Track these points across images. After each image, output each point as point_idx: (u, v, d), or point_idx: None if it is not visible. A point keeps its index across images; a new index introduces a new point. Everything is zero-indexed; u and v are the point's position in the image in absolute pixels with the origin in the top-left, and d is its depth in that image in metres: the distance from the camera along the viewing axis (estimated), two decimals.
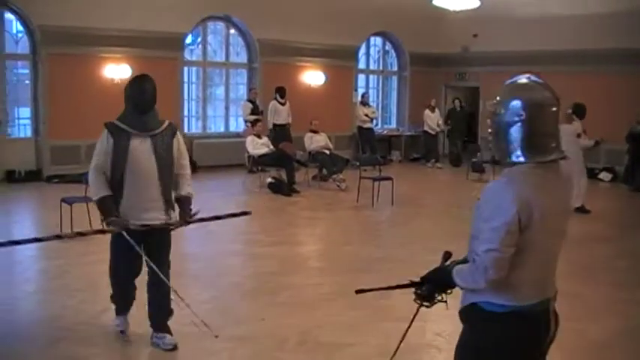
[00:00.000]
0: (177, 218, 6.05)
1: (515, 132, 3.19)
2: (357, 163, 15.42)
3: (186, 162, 6.12)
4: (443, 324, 6.69)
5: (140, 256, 5.85)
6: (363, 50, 21.78)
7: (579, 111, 13.44)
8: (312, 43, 19.18)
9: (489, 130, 3.36)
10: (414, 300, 3.66)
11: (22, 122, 16.36)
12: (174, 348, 6.08)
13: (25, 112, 16.34)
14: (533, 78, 3.27)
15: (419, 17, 20.18)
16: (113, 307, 6.39)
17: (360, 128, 19.87)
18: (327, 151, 16.13)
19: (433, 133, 20.35)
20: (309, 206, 13.42)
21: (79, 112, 15.57)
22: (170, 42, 16.86)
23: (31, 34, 15.59)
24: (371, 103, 20.65)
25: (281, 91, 17.56)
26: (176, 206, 6.06)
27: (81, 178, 13.61)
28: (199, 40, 18.88)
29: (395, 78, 23.03)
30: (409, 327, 3.94)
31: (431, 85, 22.23)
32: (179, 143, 6.00)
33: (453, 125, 20.79)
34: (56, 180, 15.19)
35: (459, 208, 13.15)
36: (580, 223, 12.16)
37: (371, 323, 6.70)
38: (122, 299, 6.29)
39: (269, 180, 14.84)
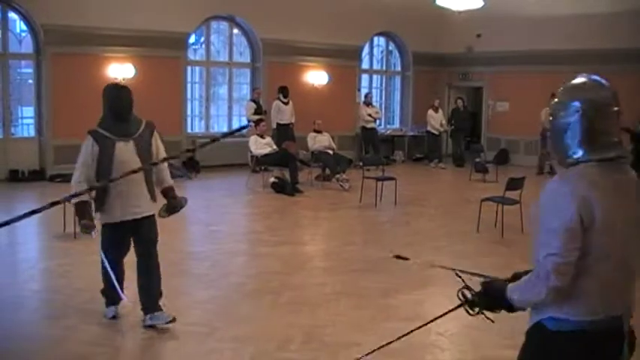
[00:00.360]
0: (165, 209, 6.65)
1: (574, 131, 3.04)
2: (361, 163, 15.42)
3: (164, 156, 6.51)
4: (446, 324, 6.69)
5: (126, 249, 6.51)
6: (366, 50, 21.77)
7: None
8: (316, 43, 19.18)
9: (548, 134, 3.28)
10: (459, 296, 3.48)
11: (26, 122, 16.37)
12: (173, 320, 6.34)
13: (29, 111, 16.36)
14: (592, 77, 3.15)
15: (422, 17, 20.21)
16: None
17: (363, 128, 19.85)
18: (331, 151, 16.13)
19: (436, 133, 20.33)
20: (312, 206, 13.42)
21: (82, 111, 15.49)
22: (174, 42, 16.88)
23: (34, 34, 15.62)
24: (374, 103, 20.63)
25: (284, 91, 17.56)
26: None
27: None
28: (202, 39, 18.90)
29: (398, 78, 23.03)
30: (437, 318, 3.90)
31: (434, 85, 22.25)
32: (157, 140, 6.46)
33: (456, 125, 20.76)
34: (59, 179, 15.19)
35: (462, 208, 13.18)
36: None
37: (375, 323, 6.70)
38: (112, 289, 6.47)
39: (272, 180, 14.84)
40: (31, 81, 16.39)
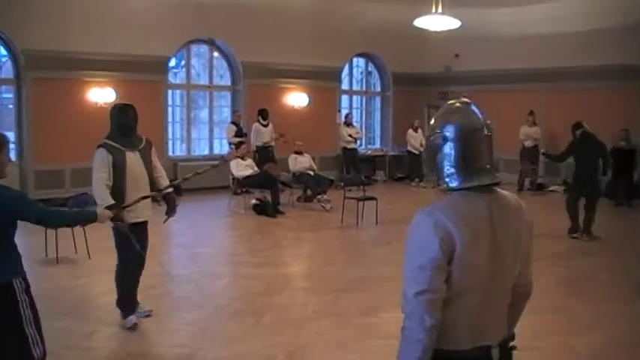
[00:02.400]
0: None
1: (444, 155, 2.99)
2: (342, 184, 15.51)
3: (159, 164, 7.40)
4: None
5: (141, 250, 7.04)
6: (346, 71, 21.92)
7: None
8: (296, 65, 19.29)
9: (424, 157, 3.29)
10: None
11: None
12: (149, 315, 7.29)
13: (9, 136, 16.28)
14: (465, 102, 3.11)
15: (401, 38, 20.37)
16: (119, 312, 7.21)
17: (344, 149, 19.96)
18: (312, 172, 16.21)
19: (417, 152, 20.42)
20: (294, 227, 13.46)
21: (63, 136, 15.60)
22: (154, 65, 16.94)
23: (14, 59, 15.62)
24: (354, 124, 20.74)
25: (263, 113, 17.63)
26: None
27: (66, 202, 13.69)
28: (183, 63, 18.97)
29: (378, 98, 23.19)
30: None
31: (414, 104, 22.38)
32: (154, 156, 7.31)
33: None
34: (41, 205, 15.16)
35: None
36: (563, 237, 12.29)
37: (357, 342, 6.75)
38: (132, 298, 7.21)
39: (253, 201, 14.89)
40: (11, 106, 16.36)
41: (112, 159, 6.77)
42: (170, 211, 7.36)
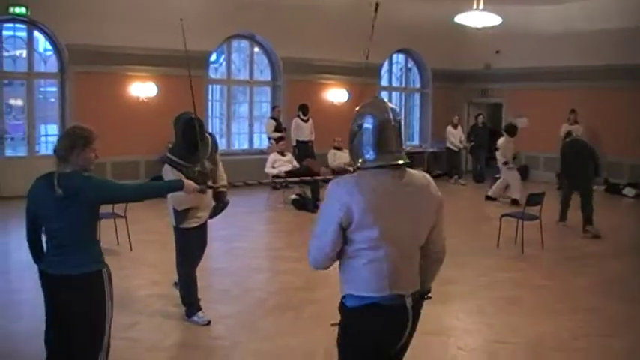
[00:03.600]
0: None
1: (367, 138, 3.65)
2: None
3: (221, 167, 7.43)
4: (466, 338, 6.76)
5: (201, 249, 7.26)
6: (385, 67, 21.89)
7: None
8: (335, 61, 19.30)
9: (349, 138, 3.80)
10: None
11: (50, 139, 16.57)
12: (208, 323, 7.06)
13: (53, 129, 16.56)
14: (379, 98, 4.12)
15: (441, 34, 20.28)
16: (184, 308, 7.17)
17: None
18: (351, 168, 16.15)
19: (456, 149, 20.35)
20: None
21: (104, 130, 15.52)
22: (195, 60, 17.02)
23: (59, 53, 15.85)
24: None
25: (303, 109, 17.69)
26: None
27: None
28: (223, 58, 19.08)
29: (417, 95, 23.12)
30: None
31: (453, 101, 22.30)
32: (218, 158, 7.29)
33: (475, 142, 20.78)
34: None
35: (481, 224, 13.22)
36: (601, 238, 12.18)
37: None
38: (196, 293, 7.14)
39: (293, 197, 14.93)
40: (53, 99, 16.60)
41: (184, 177, 6.34)
42: (217, 210, 7.42)
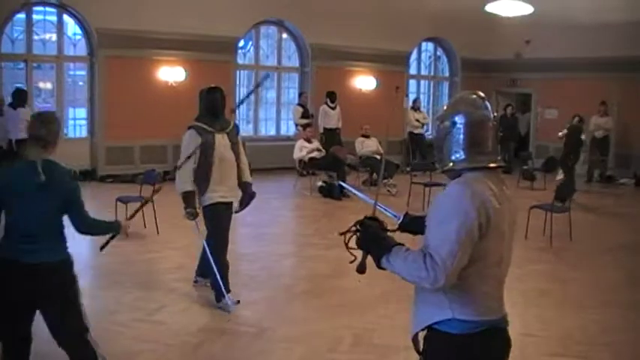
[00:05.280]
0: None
1: (457, 139, 3.26)
2: (408, 169, 15.39)
3: (243, 154, 7.30)
4: None
5: (227, 232, 7.14)
6: (414, 56, 21.75)
7: None
8: (364, 48, 19.20)
9: (433, 138, 3.44)
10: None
11: (78, 123, 16.66)
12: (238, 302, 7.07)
13: (81, 112, 16.64)
14: (479, 95, 3.42)
15: (471, 23, 20.08)
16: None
17: (410, 134, 19.82)
18: (378, 156, 16.12)
19: None
20: (359, 210, 13.15)
21: (133, 113, 15.82)
22: (223, 46, 17.04)
23: (88, 37, 15.89)
24: (422, 109, 20.56)
25: (331, 96, 17.64)
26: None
27: (134, 179, 13.95)
28: (251, 43, 19.05)
29: (446, 84, 22.95)
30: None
31: (482, 91, 21.37)
32: (240, 142, 7.28)
33: (504, 132, 20.60)
34: (110, 180, 15.46)
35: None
36: (631, 232, 12.05)
37: None
38: (227, 278, 7.08)
39: (320, 183, 14.90)
40: (81, 83, 16.67)
41: (201, 140, 6.80)
42: (244, 204, 7.34)
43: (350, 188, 4.99)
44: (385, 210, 4.02)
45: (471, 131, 3.24)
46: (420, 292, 3.26)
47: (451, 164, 3.28)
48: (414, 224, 3.84)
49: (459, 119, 3.27)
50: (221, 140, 6.95)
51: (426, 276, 2.97)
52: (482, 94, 3.41)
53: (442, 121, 3.35)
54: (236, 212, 7.28)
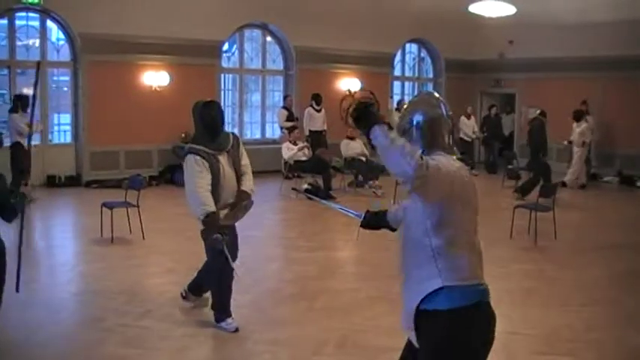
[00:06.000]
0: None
1: (417, 135, 3.56)
2: None
3: (246, 162, 6.77)
4: None
5: (234, 255, 6.78)
6: (398, 57, 21.80)
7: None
8: (348, 50, 19.25)
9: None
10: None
11: (63, 128, 16.62)
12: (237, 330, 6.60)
13: (65, 118, 16.60)
14: (429, 93, 3.92)
15: (454, 24, 20.18)
16: (213, 314, 6.73)
17: None
18: (364, 158, 16.14)
19: (469, 140, 20.27)
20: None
21: (118, 119, 15.81)
22: (208, 49, 17.03)
23: (72, 42, 15.87)
24: None
25: (317, 98, 17.64)
26: None
27: (120, 184, 13.94)
28: (236, 47, 19.05)
29: (430, 85, 23.00)
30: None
31: (467, 91, 22.19)
32: (243, 151, 6.77)
33: (488, 132, 20.72)
34: (95, 185, 15.42)
35: (495, 214, 13.15)
36: (615, 229, 12.12)
37: None
38: (228, 300, 6.71)
39: (305, 186, 14.89)
40: (66, 88, 16.64)
41: (209, 165, 6.31)
42: (240, 211, 6.76)
43: (313, 197, 5.30)
44: (347, 211, 4.55)
45: (428, 128, 3.54)
46: (411, 271, 3.51)
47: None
48: (375, 220, 4.31)
49: (417, 117, 3.56)
50: (224, 162, 6.46)
51: (410, 167, 3.09)
52: (437, 95, 3.77)
53: (402, 120, 3.66)
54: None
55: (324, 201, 4.95)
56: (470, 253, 3.44)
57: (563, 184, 16.35)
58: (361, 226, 4.34)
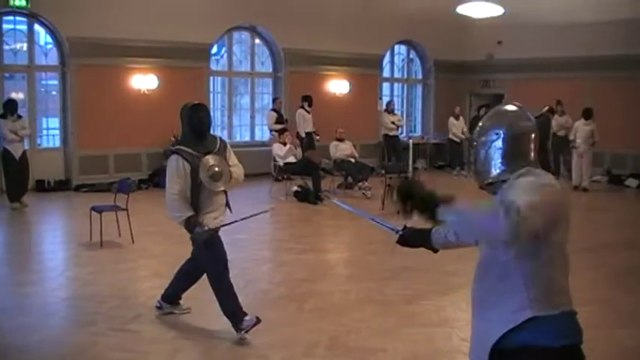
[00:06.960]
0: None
1: (497, 152, 3.24)
2: (383, 171, 15.46)
3: (235, 162, 6.85)
4: (469, 330, 6.73)
5: (225, 255, 6.82)
6: (387, 59, 21.83)
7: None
8: (337, 52, 19.26)
9: (472, 154, 3.40)
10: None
11: (51, 133, 16.57)
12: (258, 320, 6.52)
13: (54, 122, 16.55)
14: (517, 106, 3.36)
15: (443, 25, 20.22)
16: (226, 320, 6.56)
17: (386, 136, 19.88)
18: (353, 159, 16.17)
19: (458, 140, 20.32)
20: (335, 214, 13.43)
21: (107, 122, 15.78)
22: (196, 52, 17.02)
23: (60, 46, 15.83)
24: (396, 112, 20.63)
25: (309, 100, 17.63)
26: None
27: (109, 188, 13.92)
28: (224, 50, 19.04)
29: (419, 86, 23.06)
30: None
31: (455, 92, 22.22)
32: (230, 153, 6.84)
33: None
34: (84, 189, 15.39)
35: None
36: (608, 229, 12.16)
37: (398, 329, 6.75)
38: (237, 306, 6.58)
39: (295, 188, 14.91)
40: (55, 92, 16.60)
41: (190, 167, 6.33)
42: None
43: (345, 206, 4.67)
44: (382, 224, 4.13)
45: (513, 143, 3.21)
46: (488, 302, 3.21)
47: (494, 176, 3.27)
48: (415, 237, 3.90)
49: (501, 132, 3.23)
50: None
51: (501, 223, 2.61)
52: (521, 106, 3.36)
53: (482, 135, 3.32)
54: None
55: (357, 211, 4.54)
56: (563, 277, 3.32)
57: (585, 190, 16.60)
58: (398, 242, 4.00)
